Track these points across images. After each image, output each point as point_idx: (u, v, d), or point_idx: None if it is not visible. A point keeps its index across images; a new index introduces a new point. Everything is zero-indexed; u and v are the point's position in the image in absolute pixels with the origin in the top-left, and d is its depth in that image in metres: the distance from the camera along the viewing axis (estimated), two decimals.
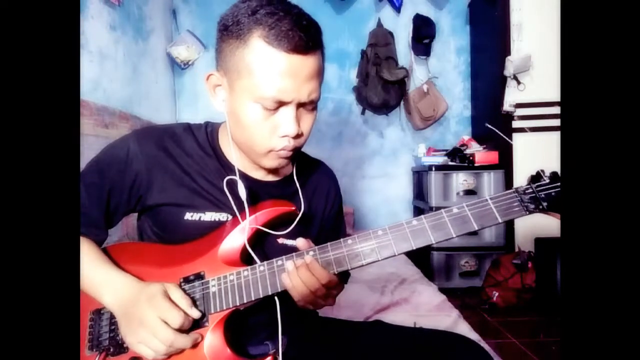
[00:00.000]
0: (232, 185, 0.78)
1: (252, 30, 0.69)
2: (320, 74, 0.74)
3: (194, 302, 0.72)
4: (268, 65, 0.69)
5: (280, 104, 0.72)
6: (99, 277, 0.73)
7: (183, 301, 0.70)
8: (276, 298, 0.74)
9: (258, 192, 0.82)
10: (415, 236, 0.72)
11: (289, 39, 0.68)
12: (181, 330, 0.68)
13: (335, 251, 0.73)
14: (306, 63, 0.71)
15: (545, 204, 0.70)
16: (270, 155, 0.76)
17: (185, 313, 0.69)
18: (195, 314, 0.70)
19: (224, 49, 0.74)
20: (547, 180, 0.71)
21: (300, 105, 0.73)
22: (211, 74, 0.78)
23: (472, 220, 0.71)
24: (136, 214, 0.87)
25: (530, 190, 0.71)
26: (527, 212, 0.70)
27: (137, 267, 0.76)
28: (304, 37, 0.69)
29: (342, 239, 0.73)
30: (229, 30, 0.72)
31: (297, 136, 0.75)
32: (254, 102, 0.72)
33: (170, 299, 0.69)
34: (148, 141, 0.81)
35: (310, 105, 0.75)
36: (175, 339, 0.67)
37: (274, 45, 0.69)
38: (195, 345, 0.70)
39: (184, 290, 0.73)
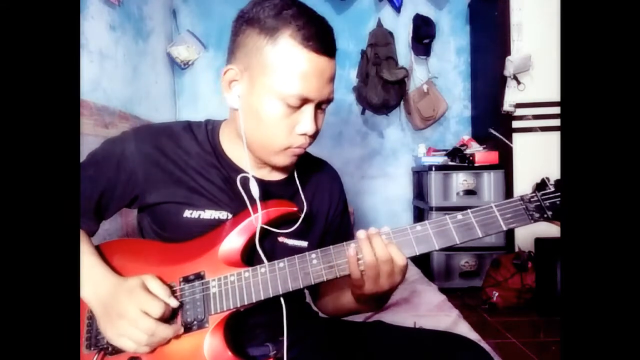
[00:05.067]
0: (237, 183, 0.78)
1: (281, 29, 0.71)
2: (335, 76, 0.78)
3: (172, 292, 0.73)
4: (297, 65, 0.72)
5: (304, 102, 0.74)
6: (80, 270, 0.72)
7: (161, 291, 0.70)
8: (282, 299, 0.74)
9: (262, 191, 0.82)
10: (419, 242, 0.72)
11: (318, 41, 0.72)
12: (162, 321, 0.69)
13: (338, 254, 0.73)
14: (330, 65, 0.75)
15: (550, 212, 0.69)
16: (287, 152, 0.78)
17: (164, 303, 0.69)
18: (174, 303, 0.71)
19: (247, 44, 0.74)
20: (552, 189, 0.70)
21: (318, 105, 0.76)
22: (230, 68, 0.77)
23: (477, 227, 0.70)
24: (135, 211, 0.87)
25: (536, 198, 0.70)
26: (532, 221, 0.70)
27: (136, 264, 0.76)
28: (330, 40, 0.74)
29: (344, 242, 0.73)
30: (255, 27, 0.73)
31: (314, 134, 0.77)
32: (277, 99, 0.73)
33: (148, 291, 0.70)
34: (145, 140, 0.81)
35: (326, 105, 0.78)
36: (156, 328, 0.68)
37: (304, 45, 0.71)
38: (178, 336, 0.71)
39: (172, 288, 0.73)
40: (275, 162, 0.80)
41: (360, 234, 0.72)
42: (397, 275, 0.72)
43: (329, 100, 0.77)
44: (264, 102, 0.74)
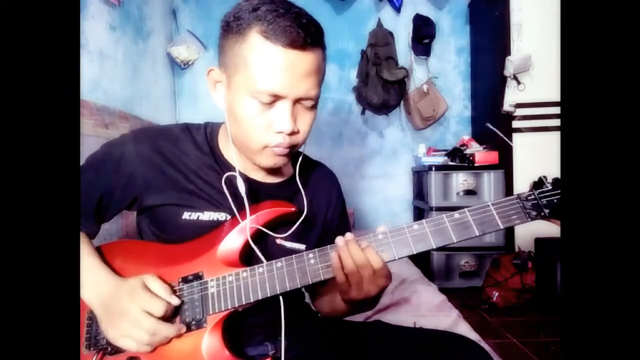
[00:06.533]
0: (232, 184, 0.78)
1: (252, 25, 0.70)
2: (319, 72, 0.74)
3: (173, 291, 0.73)
4: (264, 60, 0.70)
5: (276, 98, 0.72)
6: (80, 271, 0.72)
7: (162, 290, 0.71)
8: (281, 298, 0.74)
9: (258, 193, 0.82)
10: (416, 241, 0.71)
11: (287, 34, 0.68)
12: (164, 320, 0.69)
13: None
14: (303, 59, 0.71)
15: (547, 210, 0.69)
16: (266, 152, 0.76)
17: (166, 301, 0.69)
18: (175, 301, 0.71)
19: (224, 44, 0.75)
20: (550, 187, 0.70)
21: (297, 102, 0.73)
22: (212, 69, 0.78)
23: (474, 226, 0.70)
24: (135, 212, 0.87)
25: (533, 196, 0.70)
26: (529, 219, 0.70)
27: (135, 265, 0.76)
28: (302, 33, 0.69)
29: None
30: (230, 27, 0.73)
31: (293, 133, 0.75)
32: (250, 97, 0.72)
33: (150, 290, 0.70)
34: (143, 142, 0.81)
35: (308, 102, 0.75)
36: (158, 328, 0.68)
37: (272, 40, 0.69)
38: (179, 336, 0.71)
39: (172, 288, 0.73)
40: (259, 162, 0.78)
41: (339, 241, 0.71)
42: (380, 279, 0.72)
43: (309, 98, 0.73)
44: (239, 101, 0.73)
